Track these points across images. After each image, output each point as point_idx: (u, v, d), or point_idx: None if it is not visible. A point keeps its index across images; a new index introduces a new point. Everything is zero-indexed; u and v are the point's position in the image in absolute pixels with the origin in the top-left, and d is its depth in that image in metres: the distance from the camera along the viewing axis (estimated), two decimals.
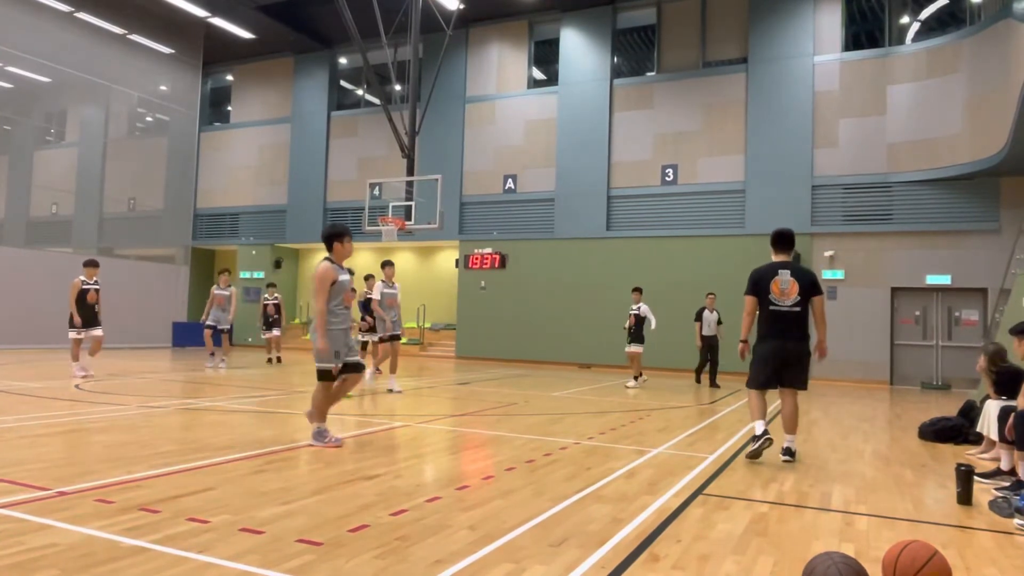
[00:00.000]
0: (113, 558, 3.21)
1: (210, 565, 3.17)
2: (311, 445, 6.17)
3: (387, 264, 10.96)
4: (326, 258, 6.36)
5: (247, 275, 24.36)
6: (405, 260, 23.74)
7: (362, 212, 18.20)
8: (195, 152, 25.32)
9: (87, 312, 11.44)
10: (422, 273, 23.41)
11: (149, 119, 24.53)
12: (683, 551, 3.65)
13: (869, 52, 17.13)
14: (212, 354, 14.61)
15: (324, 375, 6.29)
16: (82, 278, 11.50)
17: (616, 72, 19.89)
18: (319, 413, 6.32)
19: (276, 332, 16.44)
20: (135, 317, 20.69)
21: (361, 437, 6.93)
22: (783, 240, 6.40)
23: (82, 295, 11.42)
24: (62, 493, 4.29)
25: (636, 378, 13.46)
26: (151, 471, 4.98)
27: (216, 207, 25.59)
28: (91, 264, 11.69)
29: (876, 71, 16.92)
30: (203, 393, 10.07)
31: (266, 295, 16.63)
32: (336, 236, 6.38)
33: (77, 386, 10.43)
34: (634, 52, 20.41)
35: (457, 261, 21.53)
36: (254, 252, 24.44)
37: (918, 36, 17.15)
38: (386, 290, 10.95)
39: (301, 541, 3.56)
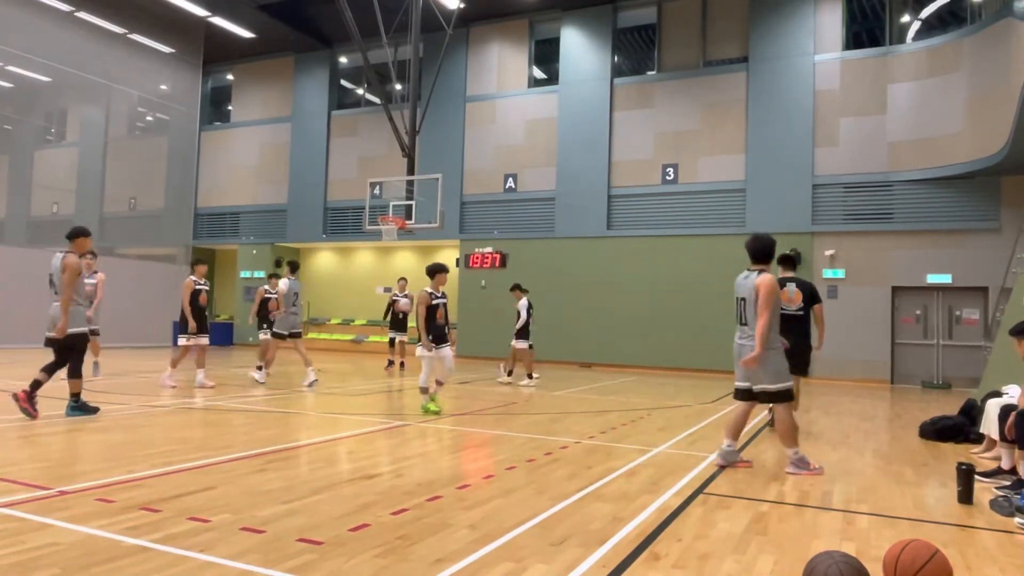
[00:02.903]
0: (114, 557, 3.21)
1: (211, 564, 3.18)
2: (793, 474, 5.66)
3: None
4: (762, 270, 5.88)
5: (247, 275, 24.35)
6: (405, 259, 23.71)
7: (362, 211, 18.19)
8: (196, 151, 25.31)
9: (201, 315, 10.64)
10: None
11: (150, 118, 24.53)
12: (684, 550, 3.65)
13: (870, 51, 17.10)
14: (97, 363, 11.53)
15: (786, 395, 5.80)
16: (193, 278, 10.66)
17: (616, 71, 19.87)
18: (792, 437, 5.80)
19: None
20: (136, 317, 20.70)
21: (361, 436, 6.93)
22: (787, 260, 8.07)
23: (195, 296, 10.58)
24: (63, 492, 4.29)
25: (531, 376, 13.36)
26: (152, 470, 4.99)
27: (217, 206, 25.57)
28: (200, 263, 10.95)
29: (877, 70, 16.91)
30: (204, 393, 10.06)
31: (267, 286, 12.63)
32: (771, 253, 5.97)
33: (173, 386, 10.27)
34: (634, 51, 20.40)
35: (458, 260, 21.52)
36: (254, 252, 24.43)
37: (919, 35, 17.13)
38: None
39: (302, 540, 3.56)
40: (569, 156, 19.87)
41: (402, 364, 15.20)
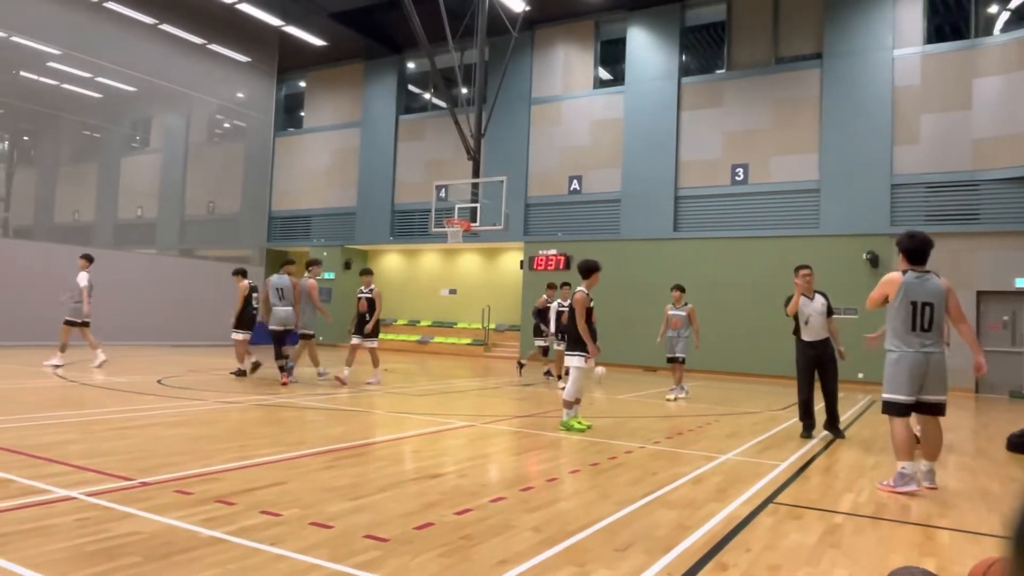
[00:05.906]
0: (191, 547, 3.34)
1: (282, 557, 3.26)
2: (887, 490, 5.26)
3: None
4: (909, 270, 5.49)
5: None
6: (470, 261, 23.93)
7: (429, 214, 18.44)
8: (270, 157, 26.19)
9: (361, 320, 11.58)
10: (487, 274, 23.57)
11: (227, 125, 25.50)
12: (752, 560, 3.56)
13: (953, 44, 16.33)
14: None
15: (888, 407, 5.38)
16: (369, 287, 11.70)
17: (684, 70, 19.56)
18: (902, 451, 5.28)
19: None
20: (214, 316, 21.50)
21: (426, 436, 7.02)
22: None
23: (359, 303, 11.69)
24: (144, 484, 4.49)
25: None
26: (227, 464, 5.17)
27: (290, 209, 26.40)
28: (366, 272, 11.90)
29: (961, 64, 16.12)
30: (277, 390, 10.38)
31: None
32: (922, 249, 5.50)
33: (378, 382, 11.59)
34: (703, 49, 20.03)
35: (522, 262, 21.57)
36: (325, 253, 25.08)
37: (1007, 26, 16.24)
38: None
39: (368, 537, 3.62)
40: (635, 157, 19.66)
41: (549, 372, 14.20)
